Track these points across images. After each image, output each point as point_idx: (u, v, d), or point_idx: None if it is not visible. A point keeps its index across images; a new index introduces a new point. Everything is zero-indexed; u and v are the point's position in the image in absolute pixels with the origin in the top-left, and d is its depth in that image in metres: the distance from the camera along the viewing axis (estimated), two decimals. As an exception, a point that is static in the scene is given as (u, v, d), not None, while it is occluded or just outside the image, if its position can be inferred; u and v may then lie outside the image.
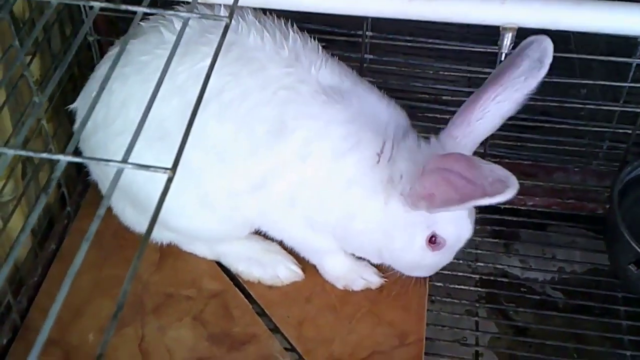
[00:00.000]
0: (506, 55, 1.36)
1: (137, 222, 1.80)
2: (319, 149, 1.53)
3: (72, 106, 1.76)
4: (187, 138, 0.86)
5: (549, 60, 1.40)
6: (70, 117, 1.89)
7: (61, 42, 1.94)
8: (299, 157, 1.53)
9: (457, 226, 1.54)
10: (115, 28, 2.05)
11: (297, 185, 1.56)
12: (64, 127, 1.94)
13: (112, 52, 1.69)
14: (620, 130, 1.97)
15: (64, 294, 0.72)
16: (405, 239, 1.55)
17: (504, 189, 1.22)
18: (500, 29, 1.31)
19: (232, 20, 1.48)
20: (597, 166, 2.07)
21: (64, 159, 0.84)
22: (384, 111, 1.59)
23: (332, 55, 1.68)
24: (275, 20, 1.62)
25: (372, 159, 1.53)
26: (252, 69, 1.53)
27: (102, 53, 2.00)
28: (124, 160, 0.84)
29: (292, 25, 1.63)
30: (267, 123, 1.52)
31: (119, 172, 0.83)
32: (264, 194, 1.58)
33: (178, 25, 1.56)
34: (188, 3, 1.37)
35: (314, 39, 1.64)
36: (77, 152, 1.76)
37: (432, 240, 1.52)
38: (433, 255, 1.56)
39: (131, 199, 1.71)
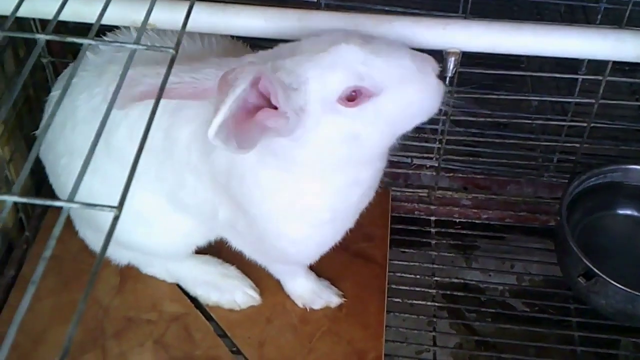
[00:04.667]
0: (450, 78, 1.39)
1: (97, 242, 1.78)
2: None
3: (37, 132, 1.76)
4: (132, 176, 0.87)
5: None
6: (27, 141, 1.89)
7: (15, 64, 1.92)
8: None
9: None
10: (70, 48, 2.05)
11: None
12: (20, 151, 1.92)
13: (63, 74, 1.72)
14: (569, 144, 2.00)
15: (19, 319, 0.72)
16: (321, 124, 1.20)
17: None
18: (444, 53, 1.34)
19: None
20: (549, 178, 2.10)
21: (10, 199, 0.85)
22: None
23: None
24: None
25: None
26: None
27: (57, 74, 1.99)
28: (70, 200, 0.85)
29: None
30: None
31: (66, 211, 0.84)
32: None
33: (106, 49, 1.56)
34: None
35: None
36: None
37: (352, 98, 1.18)
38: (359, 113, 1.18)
39: (87, 221, 1.72)
